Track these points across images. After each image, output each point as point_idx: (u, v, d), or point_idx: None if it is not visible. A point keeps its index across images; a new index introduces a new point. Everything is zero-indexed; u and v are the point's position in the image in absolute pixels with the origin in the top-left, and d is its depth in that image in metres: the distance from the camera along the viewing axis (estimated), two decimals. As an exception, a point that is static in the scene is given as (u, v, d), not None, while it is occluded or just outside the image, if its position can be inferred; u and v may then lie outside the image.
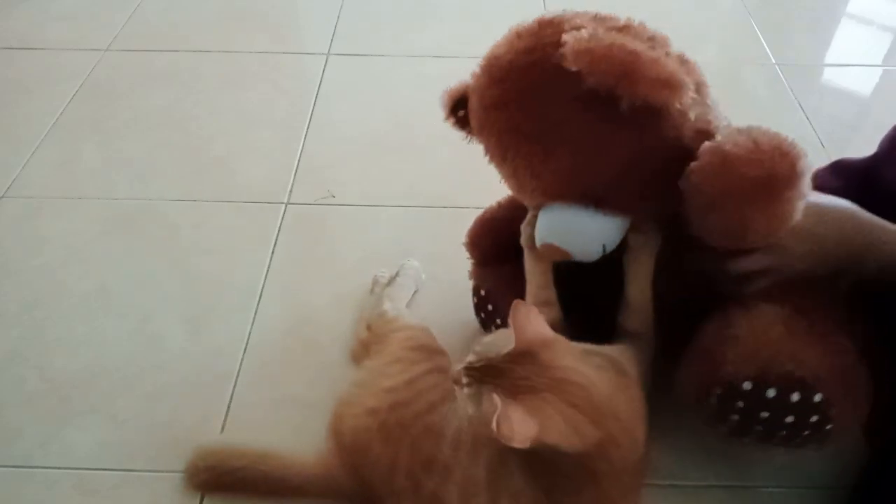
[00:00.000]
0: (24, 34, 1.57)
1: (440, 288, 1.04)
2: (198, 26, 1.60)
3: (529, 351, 0.64)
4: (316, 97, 1.41)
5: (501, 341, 0.66)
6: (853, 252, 0.72)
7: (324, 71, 1.48)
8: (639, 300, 0.78)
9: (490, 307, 0.90)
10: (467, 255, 0.94)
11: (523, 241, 0.81)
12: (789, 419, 0.70)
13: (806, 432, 0.71)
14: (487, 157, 0.79)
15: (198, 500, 0.82)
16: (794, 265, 0.73)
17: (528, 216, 0.81)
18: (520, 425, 0.59)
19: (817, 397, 0.68)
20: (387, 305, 0.95)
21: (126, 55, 1.52)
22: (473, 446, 0.72)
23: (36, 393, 0.92)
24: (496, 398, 0.60)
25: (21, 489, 0.83)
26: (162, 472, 0.84)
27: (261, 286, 1.05)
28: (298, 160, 1.27)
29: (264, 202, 1.19)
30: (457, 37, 1.57)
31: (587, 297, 0.81)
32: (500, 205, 0.93)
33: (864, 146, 0.94)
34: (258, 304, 1.03)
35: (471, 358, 0.66)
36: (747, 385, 0.70)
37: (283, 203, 1.19)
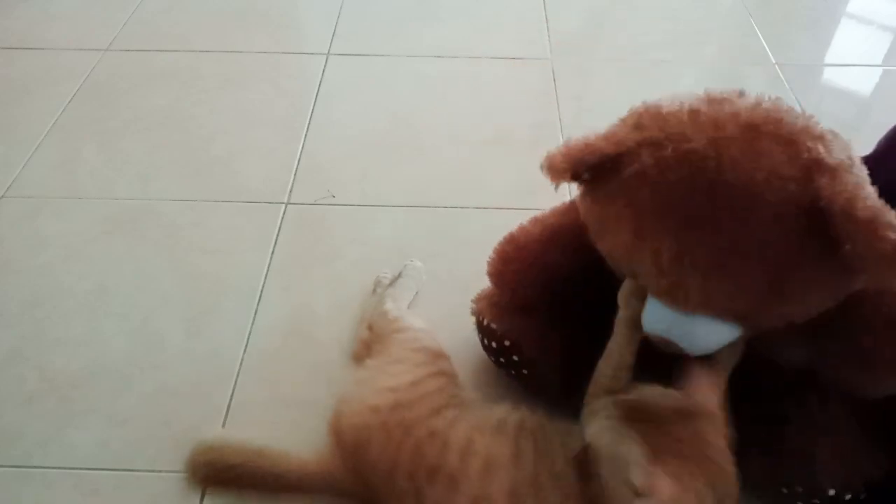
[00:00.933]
0: (24, 34, 1.57)
1: (440, 288, 1.04)
2: (198, 26, 1.60)
3: (693, 415, 0.63)
4: (316, 97, 1.41)
5: (660, 393, 0.65)
6: None
7: (324, 71, 1.48)
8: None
9: (516, 358, 0.84)
10: (490, 285, 0.87)
11: (623, 306, 0.74)
12: None
13: None
14: (587, 212, 0.70)
15: (198, 500, 0.82)
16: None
17: (630, 286, 0.73)
18: (661, 485, 0.57)
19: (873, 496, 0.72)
20: (388, 305, 0.95)
21: (126, 55, 1.52)
22: (488, 464, 0.71)
23: (36, 393, 0.92)
24: (639, 448, 0.59)
25: (21, 489, 0.83)
26: (162, 472, 0.84)
27: (261, 286, 1.05)
28: (298, 160, 1.27)
29: (264, 202, 1.19)
30: (457, 37, 1.56)
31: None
32: (541, 235, 0.82)
33: (864, 146, 0.94)
34: (258, 304, 1.03)
35: (629, 396, 0.65)
36: (832, 492, 0.71)
37: (283, 203, 1.19)
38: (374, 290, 1.02)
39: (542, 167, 0.67)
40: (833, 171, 0.59)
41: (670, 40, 1.55)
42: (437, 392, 0.79)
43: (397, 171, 1.25)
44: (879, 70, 1.54)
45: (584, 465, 0.68)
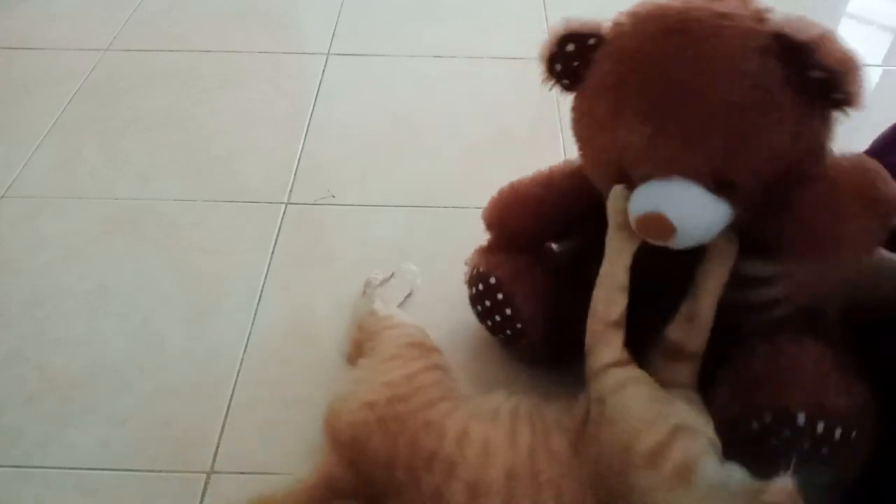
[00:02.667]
0: (24, 34, 1.57)
1: (440, 289, 1.04)
2: (198, 26, 1.60)
3: None
4: (316, 97, 1.41)
5: None
6: (859, 290, 0.75)
7: (324, 71, 1.48)
8: (706, 316, 0.75)
9: (500, 296, 0.86)
10: (485, 231, 0.91)
11: (612, 214, 0.75)
12: (824, 451, 0.70)
13: (826, 466, 0.71)
14: (577, 114, 0.75)
15: (198, 500, 0.82)
16: (803, 298, 0.75)
17: (617, 190, 0.75)
18: None
19: (853, 434, 0.70)
20: (377, 304, 0.95)
21: (126, 55, 1.52)
22: (485, 449, 0.71)
23: (36, 393, 0.93)
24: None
25: (21, 489, 0.83)
26: (162, 472, 0.84)
27: (261, 286, 1.05)
28: (298, 160, 1.27)
29: (264, 202, 1.19)
30: (457, 37, 1.56)
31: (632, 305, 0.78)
32: (534, 181, 0.88)
33: (864, 146, 0.94)
34: (258, 304, 1.03)
35: None
36: (801, 417, 0.70)
37: (283, 203, 1.19)
38: (364, 291, 1.02)
39: (540, 57, 0.76)
40: (779, 14, 0.66)
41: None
42: (432, 385, 0.79)
43: (397, 171, 1.25)
44: (879, 70, 1.54)
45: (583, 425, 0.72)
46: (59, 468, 0.85)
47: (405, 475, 0.72)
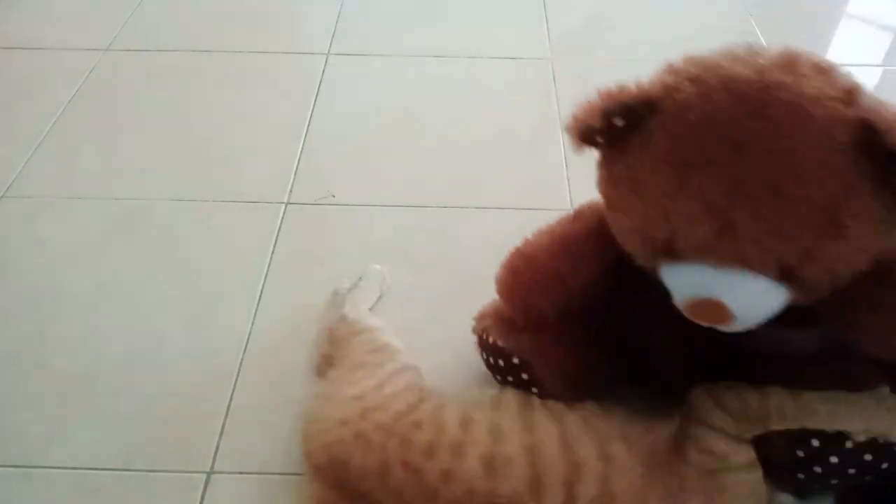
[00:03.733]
0: (24, 34, 1.57)
1: (439, 288, 1.04)
2: (198, 26, 1.60)
3: None
4: (316, 97, 1.41)
5: None
6: None
7: (324, 71, 1.48)
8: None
9: (525, 376, 0.80)
10: (514, 316, 0.80)
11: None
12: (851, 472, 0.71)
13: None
14: (611, 177, 0.67)
15: (198, 500, 0.82)
16: None
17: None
18: None
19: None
20: (347, 308, 0.94)
21: (126, 55, 1.52)
22: (496, 430, 0.70)
23: (36, 393, 0.92)
24: None
25: (21, 489, 0.83)
26: (162, 472, 0.84)
27: (261, 286, 1.05)
28: (298, 160, 1.27)
29: (264, 202, 1.19)
30: (457, 37, 1.56)
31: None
32: (549, 252, 0.78)
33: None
34: (258, 304, 1.03)
35: None
36: (849, 443, 0.69)
37: (283, 203, 1.19)
38: (333, 300, 1.00)
39: (569, 128, 0.65)
40: (870, 95, 0.60)
41: (670, 40, 1.54)
42: (405, 389, 0.77)
43: (397, 171, 1.25)
44: (879, 70, 1.54)
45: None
46: (59, 468, 0.85)
47: (404, 473, 0.70)
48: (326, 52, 1.53)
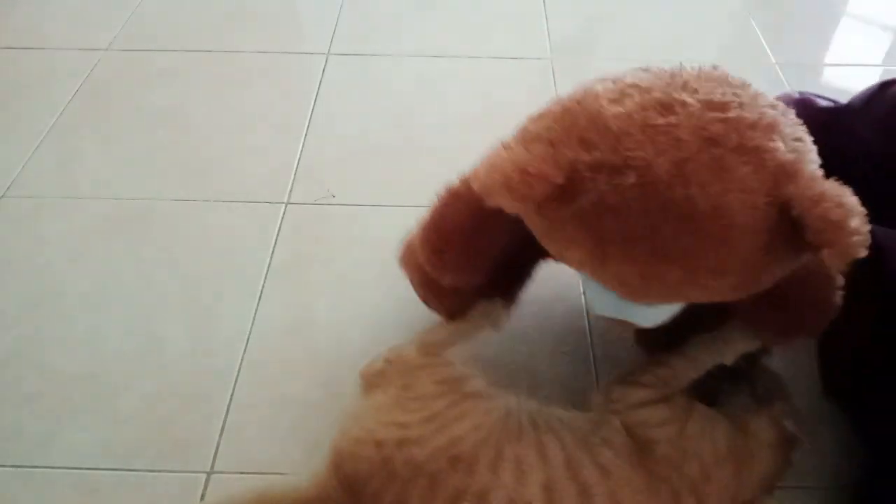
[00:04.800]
0: (24, 34, 1.57)
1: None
2: (198, 26, 1.60)
3: None
4: (316, 97, 1.41)
5: None
6: None
7: (324, 71, 1.48)
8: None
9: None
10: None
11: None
12: None
13: None
14: (546, 220, 0.65)
15: (198, 500, 0.82)
16: None
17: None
18: None
19: None
20: (423, 336, 0.88)
21: (126, 55, 1.52)
22: (519, 468, 0.70)
23: (36, 393, 0.92)
24: None
25: (21, 489, 0.83)
26: (162, 472, 0.84)
27: (261, 286, 1.05)
28: (298, 160, 1.27)
29: (264, 202, 1.19)
30: (457, 37, 1.56)
31: None
32: (469, 210, 0.77)
33: (864, 146, 0.94)
34: (258, 304, 1.03)
35: None
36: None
37: (283, 203, 1.19)
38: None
39: (491, 190, 0.61)
40: (795, 174, 0.59)
41: (670, 40, 1.55)
42: (457, 420, 0.74)
43: (397, 171, 1.25)
44: (879, 70, 1.54)
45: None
46: (59, 468, 0.85)
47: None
48: (326, 52, 1.53)
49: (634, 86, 0.65)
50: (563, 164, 0.59)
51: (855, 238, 0.56)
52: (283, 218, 1.16)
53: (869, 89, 1.00)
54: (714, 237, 0.58)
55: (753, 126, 0.60)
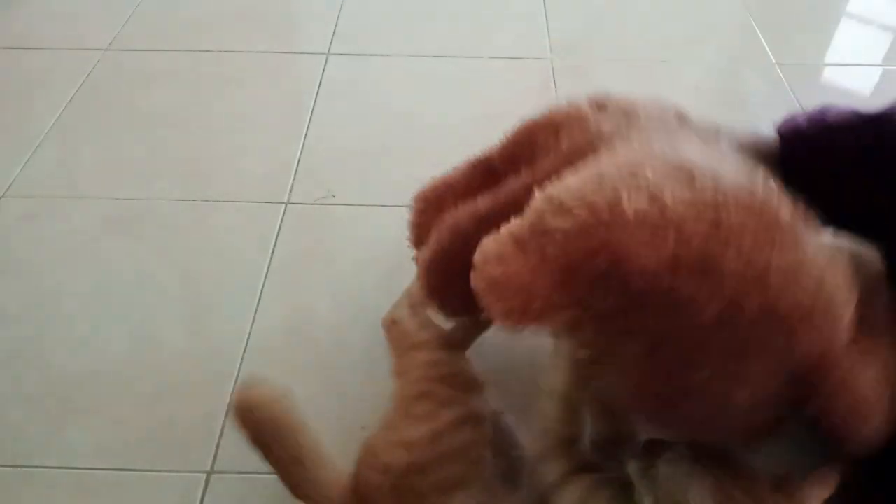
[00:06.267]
0: (24, 34, 1.57)
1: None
2: (197, 26, 1.60)
3: None
4: (316, 97, 1.41)
5: None
6: None
7: (324, 71, 1.48)
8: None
9: None
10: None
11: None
12: None
13: None
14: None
15: (198, 500, 0.82)
16: None
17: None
18: None
19: None
20: (404, 311, 0.86)
21: (126, 55, 1.52)
22: None
23: (36, 393, 0.92)
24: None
25: (21, 489, 0.83)
26: (162, 472, 0.84)
27: (261, 286, 1.05)
28: (298, 160, 1.27)
29: (264, 202, 1.19)
30: (457, 37, 1.56)
31: None
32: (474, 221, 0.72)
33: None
34: (258, 304, 1.03)
35: None
36: None
37: (283, 203, 1.19)
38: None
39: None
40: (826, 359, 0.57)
41: (670, 40, 1.55)
42: (460, 453, 0.70)
43: (397, 171, 1.25)
44: (879, 70, 1.54)
45: None
46: (59, 468, 0.85)
47: None
48: (326, 52, 1.53)
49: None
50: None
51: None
52: (283, 218, 1.16)
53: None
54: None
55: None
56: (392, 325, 0.87)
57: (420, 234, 0.83)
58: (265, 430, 0.73)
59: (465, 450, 0.70)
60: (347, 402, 0.90)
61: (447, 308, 0.79)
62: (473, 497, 0.69)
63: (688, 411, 0.61)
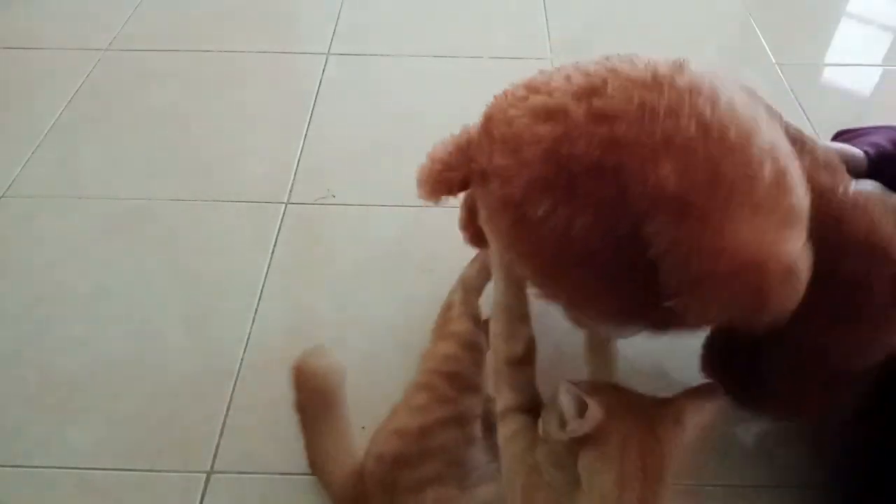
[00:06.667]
0: (24, 34, 1.57)
1: (438, 289, 1.04)
2: (197, 26, 1.60)
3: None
4: (316, 97, 1.41)
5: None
6: None
7: (324, 71, 1.48)
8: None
9: None
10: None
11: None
12: None
13: None
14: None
15: (198, 500, 0.82)
16: None
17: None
18: (592, 409, 0.59)
19: None
20: (463, 296, 0.86)
21: (126, 55, 1.52)
22: None
23: (36, 393, 0.93)
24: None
25: (21, 489, 0.83)
26: (162, 472, 0.85)
27: (261, 286, 1.05)
28: (298, 160, 1.27)
29: (264, 202, 1.19)
30: (457, 37, 1.56)
31: None
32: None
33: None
34: (258, 304, 1.03)
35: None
36: None
37: (283, 203, 1.19)
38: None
39: None
40: None
41: (670, 40, 1.54)
42: (443, 453, 0.72)
43: (397, 171, 1.25)
44: (879, 70, 1.54)
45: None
46: (59, 468, 0.85)
47: None
48: (326, 52, 1.53)
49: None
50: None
51: None
52: (283, 218, 1.16)
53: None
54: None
55: None
56: (444, 309, 0.87)
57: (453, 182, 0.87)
58: (314, 398, 0.77)
59: (445, 449, 0.72)
60: (347, 402, 0.90)
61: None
62: (447, 493, 0.71)
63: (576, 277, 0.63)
